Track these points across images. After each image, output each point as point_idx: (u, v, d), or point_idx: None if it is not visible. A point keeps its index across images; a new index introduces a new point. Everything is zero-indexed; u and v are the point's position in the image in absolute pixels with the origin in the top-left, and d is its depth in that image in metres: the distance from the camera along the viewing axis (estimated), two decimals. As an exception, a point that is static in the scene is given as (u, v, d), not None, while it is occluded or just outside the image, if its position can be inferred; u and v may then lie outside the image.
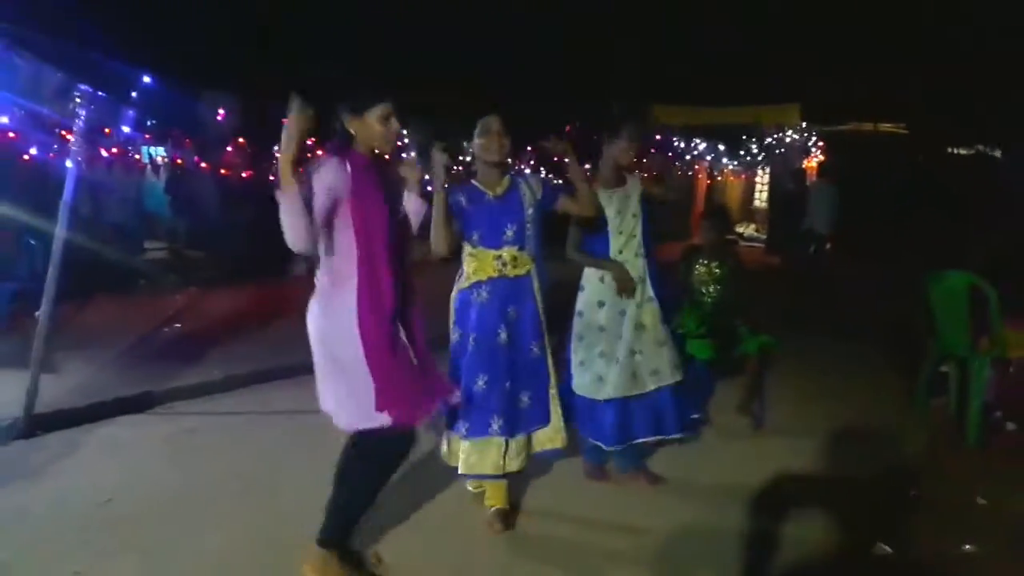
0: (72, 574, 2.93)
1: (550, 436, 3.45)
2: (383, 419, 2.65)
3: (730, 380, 5.05)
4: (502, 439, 3.30)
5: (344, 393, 2.68)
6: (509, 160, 3.43)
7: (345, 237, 2.63)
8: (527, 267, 3.34)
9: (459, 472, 3.38)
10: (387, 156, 2.80)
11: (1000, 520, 3.67)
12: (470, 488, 3.62)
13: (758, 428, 4.79)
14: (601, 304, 3.73)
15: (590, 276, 3.77)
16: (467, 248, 3.34)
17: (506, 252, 3.30)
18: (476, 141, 3.31)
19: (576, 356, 3.75)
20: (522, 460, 3.38)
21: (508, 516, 3.44)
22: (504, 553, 3.22)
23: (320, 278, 2.72)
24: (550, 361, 3.45)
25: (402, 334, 2.75)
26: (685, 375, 3.90)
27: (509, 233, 3.30)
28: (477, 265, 3.31)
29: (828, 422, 4.95)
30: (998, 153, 15.82)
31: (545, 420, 3.42)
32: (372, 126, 2.69)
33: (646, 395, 3.74)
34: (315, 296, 2.73)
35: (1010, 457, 4.48)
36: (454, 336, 3.40)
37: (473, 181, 3.38)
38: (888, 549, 3.32)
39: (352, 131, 2.69)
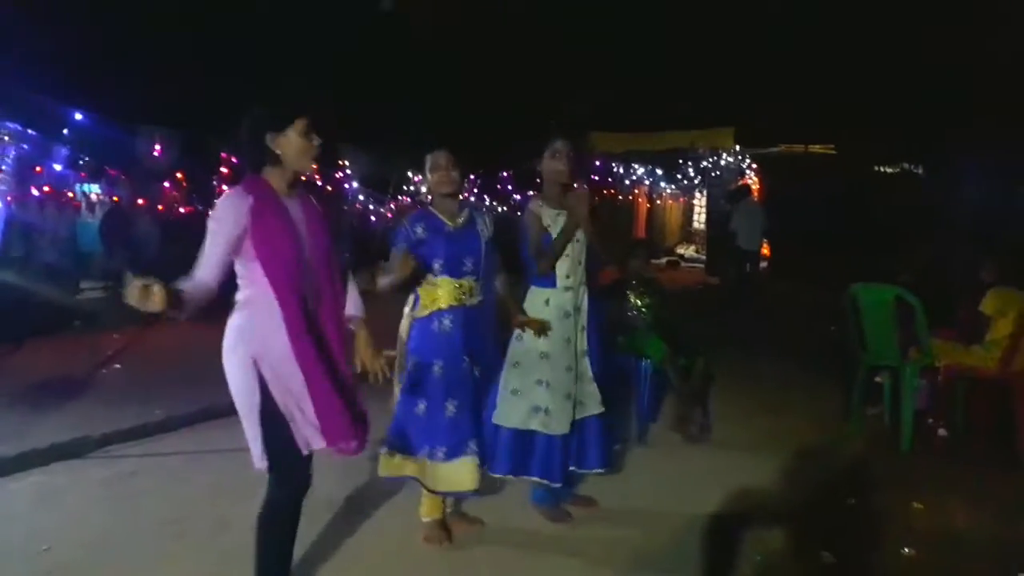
0: (8, 627, 2.82)
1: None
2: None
3: (672, 396, 5.15)
4: (476, 458, 3.32)
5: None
6: (462, 192, 3.50)
7: (253, 270, 2.58)
8: (481, 297, 3.40)
9: (437, 490, 3.36)
10: (304, 176, 2.73)
11: (936, 522, 3.81)
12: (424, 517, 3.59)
13: (691, 441, 4.88)
14: (543, 331, 3.60)
15: (533, 300, 3.64)
16: (426, 276, 3.34)
17: (466, 282, 3.35)
18: (429, 176, 3.38)
19: (508, 385, 3.61)
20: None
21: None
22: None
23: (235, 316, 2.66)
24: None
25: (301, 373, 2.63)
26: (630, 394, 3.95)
27: (468, 264, 3.35)
28: (437, 294, 3.33)
29: (769, 435, 5.09)
30: (920, 171, 16.52)
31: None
32: (293, 141, 2.62)
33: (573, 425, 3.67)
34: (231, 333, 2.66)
35: (943, 462, 4.66)
36: (409, 363, 3.37)
37: (431, 208, 3.41)
38: (831, 557, 3.41)
39: (277, 151, 2.62)
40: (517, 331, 3.65)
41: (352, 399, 2.73)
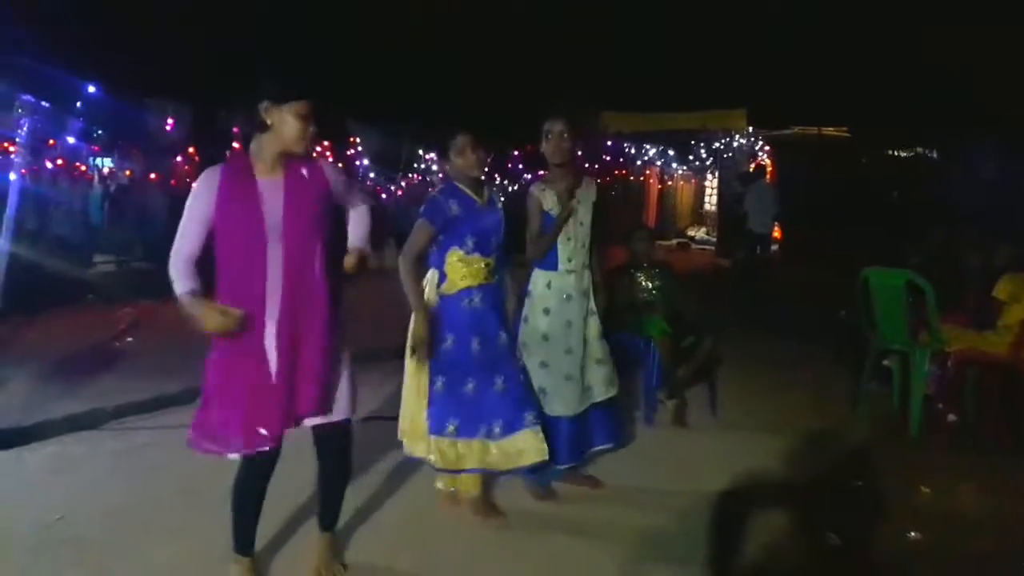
0: (25, 593, 2.87)
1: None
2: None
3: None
4: (538, 428, 3.35)
5: None
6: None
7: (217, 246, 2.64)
8: (498, 276, 3.43)
9: (504, 470, 3.41)
10: (298, 155, 2.69)
11: (943, 508, 3.82)
12: (440, 486, 3.64)
13: (676, 424, 4.90)
14: (546, 311, 3.65)
15: (537, 281, 3.68)
16: (456, 253, 3.32)
17: (492, 260, 3.37)
18: (455, 160, 3.35)
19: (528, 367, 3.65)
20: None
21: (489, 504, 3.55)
22: (463, 554, 3.24)
23: None
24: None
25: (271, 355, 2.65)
26: (633, 379, 3.95)
27: (494, 242, 3.37)
28: (466, 271, 3.32)
29: (776, 417, 5.10)
30: (935, 154, 16.38)
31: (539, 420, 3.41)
32: (287, 119, 2.59)
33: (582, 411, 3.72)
34: None
35: (951, 447, 4.66)
36: (447, 342, 3.33)
37: (460, 185, 3.38)
38: (837, 539, 3.43)
39: (269, 121, 2.59)
40: (524, 313, 3.68)
41: (311, 383, 2.70)
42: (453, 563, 3.18)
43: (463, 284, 3.32)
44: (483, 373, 3.34)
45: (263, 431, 2.66)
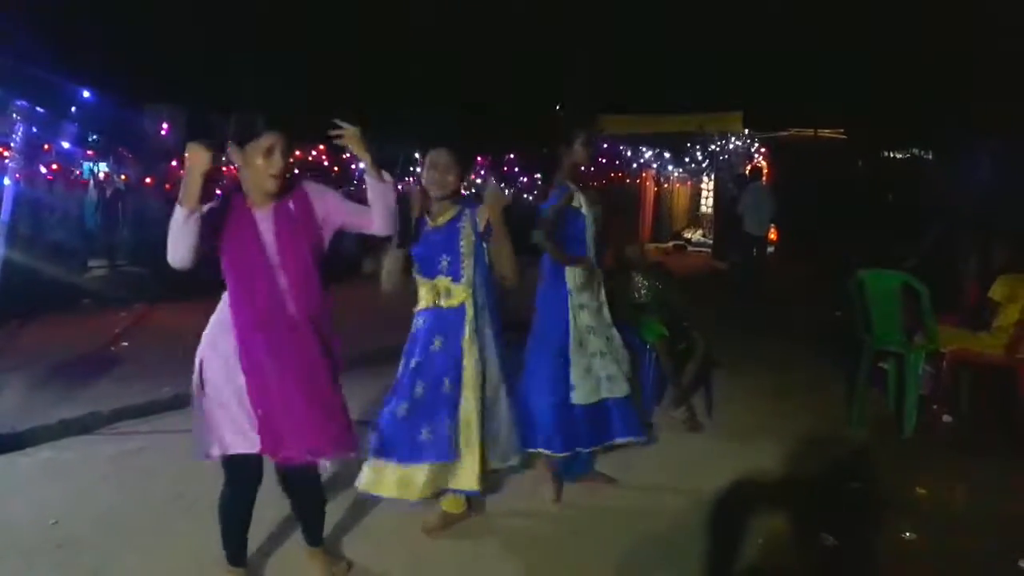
0: (18, 599, 2.87)
1: (464, 475, 3.24)
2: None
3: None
4: (396, 464, 3.22)
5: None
6: (459, 191, 3.35)
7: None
8: (460, 299, 3.25)
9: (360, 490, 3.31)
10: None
11: (939, 508, 3.83)
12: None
13: (692, 430, 4.89)
14: (583, 306, 3.78)
15: (575, 278, 3.77)
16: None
17: (440, 282, 3.25)
18: (424, 172, 3.26)
19: (579, 366, 3.74)
20: (424, 489, 3.22)
21: (457, 519, 3.47)
22: (454, 557, 3.24)
23: None
24: (472, 401, 3.23)
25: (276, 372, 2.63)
26: (636, 378, 4.00)
27: (444, 263, 3.24)
28: (421, 293, 3.32)
29: (772, 419, 5.11)
30: (930, 156, 16.42)
31: (444, 456, 3.19)
32: (252, 159, 2.54)
33: (599, 402, 3.79)
34: None
35: (946, 448, 4.66)
36: (403, 360, 3.37)
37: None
38: (832, 540, 3.43)
39: (237, 163, 2.58)
40: (571, 312, 3.76)
41: (312, 407, 2.66)
42: (448, 566, 3.17)
43: (420, 305, 3.33)
44: (401, 395, 3.27)
45: (244, 439, 2.66)
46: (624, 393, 3.82)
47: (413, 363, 3.27)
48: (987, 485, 4.07)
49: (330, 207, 2.76)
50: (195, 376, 2.68)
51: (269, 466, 2.82)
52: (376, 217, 2.77)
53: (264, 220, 2.63)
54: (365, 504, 3.68)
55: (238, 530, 2.86)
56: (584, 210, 3.77)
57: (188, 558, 3.14)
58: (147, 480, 4.01)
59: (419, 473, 3.19)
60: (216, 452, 2.69)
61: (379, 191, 2.75)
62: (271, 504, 3.23)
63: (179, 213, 2.41)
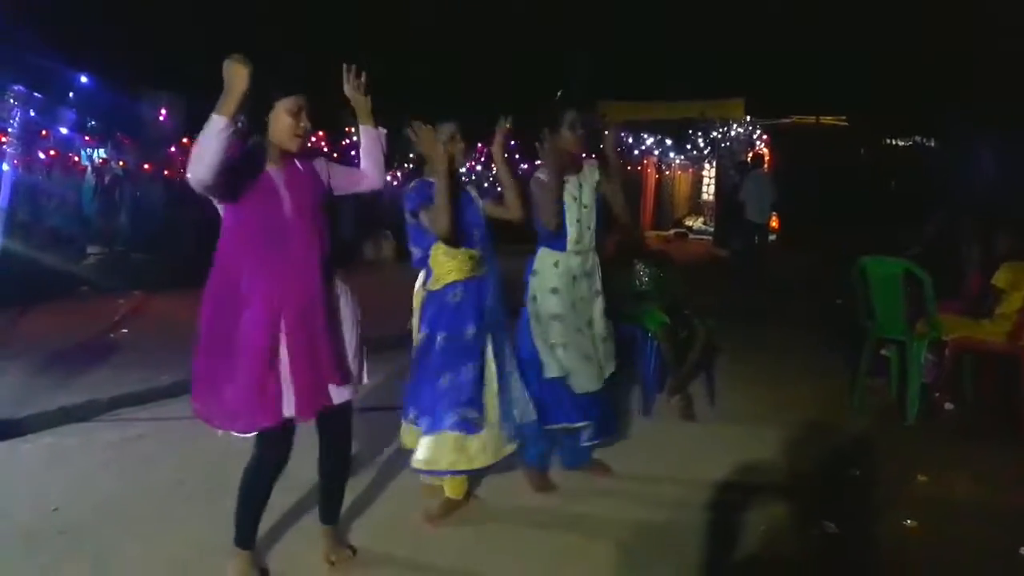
0: (20, 584, 2.87)
1: (485, 449, 3.33)
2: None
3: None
4: (473, 433, 3.29)
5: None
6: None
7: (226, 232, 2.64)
8: (486, 269, 3.37)
9: (418, 468, 3.34)
10: (293, 153, 2.70)
11: (940, 495, 3.82)
12: (426, 482, 3.60)
13: (684, 419, 4.87)
14: (555, 291, 3.67)
15: (544, 260, 3.71)
16: (440, 248, 3.28)
17: (476, 252, 3.32)
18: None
19: (540, 340, 3.66)
20: (488, 457, 3.33)
21: (458, 506, 3.47)
22: (455, 543, 3.24)
23: None
24: (495, 373, 3.39)
25: (276, 339, 2.65)
26: (635, 365, 3.97)
27: (476, 234, 3.33)
28: (452, 265, 3.28)
29: (773, 407, 5.10)
30: (932, 143, 16.36)
31: (479, 427, 3.32)
32: (281, 116, 2.62)
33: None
34: None
35: (948, 436, 4.66)
36: (420, 335, 3.35)
37: (429, 178, 3.27)
38: (833, 527, 3.43)
39: (265, 119, 2.63)
40: (531, 292, 3.71)
41: (317, 369, 2.71)
42: (450, 553, 3.17)
43: (449, 278, 3.28)
44: (437, 367, 3.29)
45: (276, 409, 2.67)
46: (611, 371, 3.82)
47: (442, 337, 3.29)
48: (989, 473, 4.06)
49: (329, 168, 2.90)
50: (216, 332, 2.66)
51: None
52: (368, 169, 2.99)
53: (278, 177, 2.68)
54: (367, 491, 3.69)
55: (258, 507, 2.84)
56: (566, 198, 3.62)
57: (189, 544, 3.14)
58: (148, 467, 4.01)
59: (475, 441, 3.29)
60: (247, 427, 2.67)
61: (372, 138, 2.97)
62: (275, 493, 3.22)
63: (216, 122, 2.40)
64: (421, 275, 3.40)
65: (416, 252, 3.35)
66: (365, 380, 3.00)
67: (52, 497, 3.57)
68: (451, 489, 3.45)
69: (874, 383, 5.30)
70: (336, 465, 3.02)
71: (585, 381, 3.66)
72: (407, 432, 3.45)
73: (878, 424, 4.85)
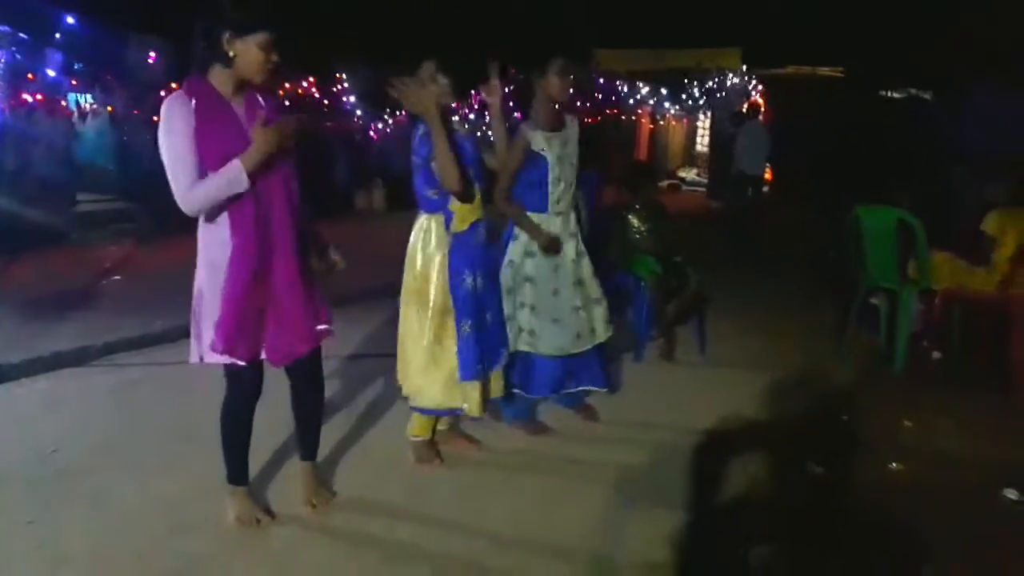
0: (26, 523, 2.91)
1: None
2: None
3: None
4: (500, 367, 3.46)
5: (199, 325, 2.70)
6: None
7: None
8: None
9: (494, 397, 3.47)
10: (258, 84, 2.62)
11: (925, 441, 3.89)
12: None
13: (663, 358, 4.98)
14: (531, 254, 3.62)
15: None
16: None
17: (478, 193, 3.27)
18: (431, 86, 3.14)
19: (505, 310, 3.59)
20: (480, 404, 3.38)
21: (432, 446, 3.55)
22: (452, 487, 3.29)
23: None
24: None
25: (268, 278, 2.67)
26: (623, 317, 3.95)
27: (471, 172, 3.23)
28: (471, 206, 3.22)
29: (763, 355, 5.16)
30: (928, 96, 16.23)
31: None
32: (250, 50, 2.52)
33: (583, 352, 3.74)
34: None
35: (935, 384, 4.72)
36: (467, 281, 3.23)
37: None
38: (819, 469, 3.50)
39: (231, 53, 2.52)
40: (508, 257, 3.66)
41: (308, 294, 2.75)
42: (443, 495, 3.22)
43: (472, 218, 3.24)
44: (490, 307, 3.38)
45: (250, 346, 2.69)
46: (609, 335, 3.83)
47: (486, 276, 3.34)
48: (974, 420, 4.13)
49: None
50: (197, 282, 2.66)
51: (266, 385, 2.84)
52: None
53: (238, 110, 2.61)
54: (360, 437, 3.73)
55: (242, 442, 2.89)
56: (546, 152, 3.53)
57: (188, 483, 3.19)
58: (145, 410, 4.04)
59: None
60: (215, 358, 2.67)
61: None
62: (267, 434, 3.27)
63: (242, 182, 2.47)
64: (421, 226, 3.29)
65: (432, 195, 3.21)
66: (331, 322, 2.91)
67: (49, 439, 3.61)
68: (418, 428, 3.47)
69: (864, 332, 5.35)
70: (308, 406, 3.04)
71: (549, 344, 3.62)
72: (474, 394, 3.31)
73: (866, 372, 4.91)
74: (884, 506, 3.24)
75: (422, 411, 3.38)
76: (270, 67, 2.59)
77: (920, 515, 3.13)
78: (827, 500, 3.33)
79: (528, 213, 3.62)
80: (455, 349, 3.25)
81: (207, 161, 2.51)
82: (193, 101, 2.50)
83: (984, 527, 3.09)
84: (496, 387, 3.47)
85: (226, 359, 2.67)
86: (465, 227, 3.23)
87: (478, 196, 3.26)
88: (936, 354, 5.11)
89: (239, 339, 2.64)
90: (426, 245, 3.26)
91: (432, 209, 3.25)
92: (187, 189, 2.49)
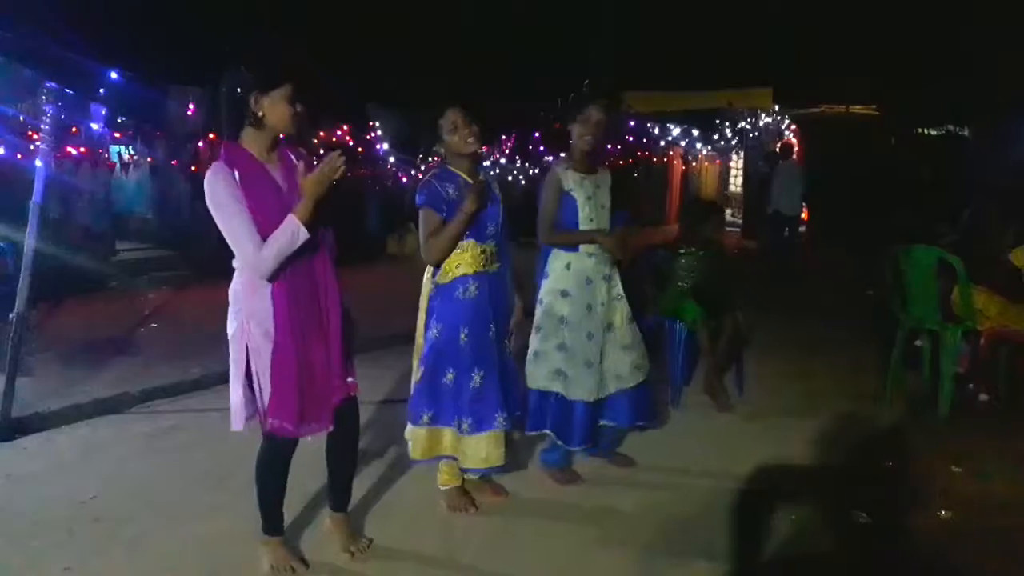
0: (63, 570, 2.91)
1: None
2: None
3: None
4: (502, 431, 3.29)
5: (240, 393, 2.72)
6: (482, 150, 3.36)
7: None
8: (499, 264, 3.30)
9: (466, 467, 3.34)
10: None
11: (974, 487, 3.75)
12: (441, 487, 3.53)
13: (722, 410, 4.84)
14: (565, 294, 3.57)
15: (554, 263, 3.60)
16: None
17: (488, 247, 3.24)
18: (449, 139, 3.20)
19: (532, 347, 3.62)
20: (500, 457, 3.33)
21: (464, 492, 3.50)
22: (482, 538, 3.23)
23: (235, 281, 2.70)
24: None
25: (314, 343, 2.71)
26: (661, 360, 3.87)
27: (491, 228, 3.25)
28: (462, 259, 3.20)
29: (804, 399, 5.05)
30: (966, 132, 16.04)
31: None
32: (277, 105, 2.57)
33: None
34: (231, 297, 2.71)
35: (983, 427, 4.57)
36: (433, 331, 3.24)
37: (452, 168, 3.25)
38: (865, 517, 3.38)
39: (260, 112, 2.57)
40: (540, 295, 3.63)
41: (327, 372, 2.77)
42: (475, 544, 3.17)
43: (459, 272, 3.20)
44: (464, 366, 3.24)
45: (326, 412, 2.77)
46: (638, 381, 3.73)
47: (464, 333, 3.22)
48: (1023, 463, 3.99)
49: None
50: (238, 344, 2.67)
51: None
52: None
53: (274, 171, 2.67)
54: (391, 484, 3.70)
55: (277, 493, 2.88)
56: (575, 192, 3.54)
57: (223, 530, 3.19)
58: (180, 457, 4.06)
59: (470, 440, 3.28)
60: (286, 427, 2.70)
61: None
62: (301, 480, 3.26)
63: (302, 234, 2.53)
64: (428, 269, 3.31)
65: None
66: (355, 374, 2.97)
67: (87, 486, 3.63)
68: (446, 476, 3.44)
69: (908, 374, 5.21)
70: (343, 456, 3.04)
71: (580, 388, 3.56)
72: (415, 437, 3.33)
73: (911, 415, 4.78)
74: (934, 556, 3.12)
75: (413, 463, 3.39)
76: (299, 118, 2.63)
77: (971, 564, 3.00)
78: (874, 550, 3.21)
79: (561, 252, 3.59)
80: None
81: (264, 226, 2.56)
82: (235, 171, 2.56)
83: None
84: (474, 456, 3.27)
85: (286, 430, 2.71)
86: (448, 280, 3.21)
87: (476, 250, 3.21)
88: (983, 396, 4.96)
89: (301, 414, 2.70)
90: (424, 290, 3.33)
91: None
92: (255, 253, 2.53)
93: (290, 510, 3.20)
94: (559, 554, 3.10)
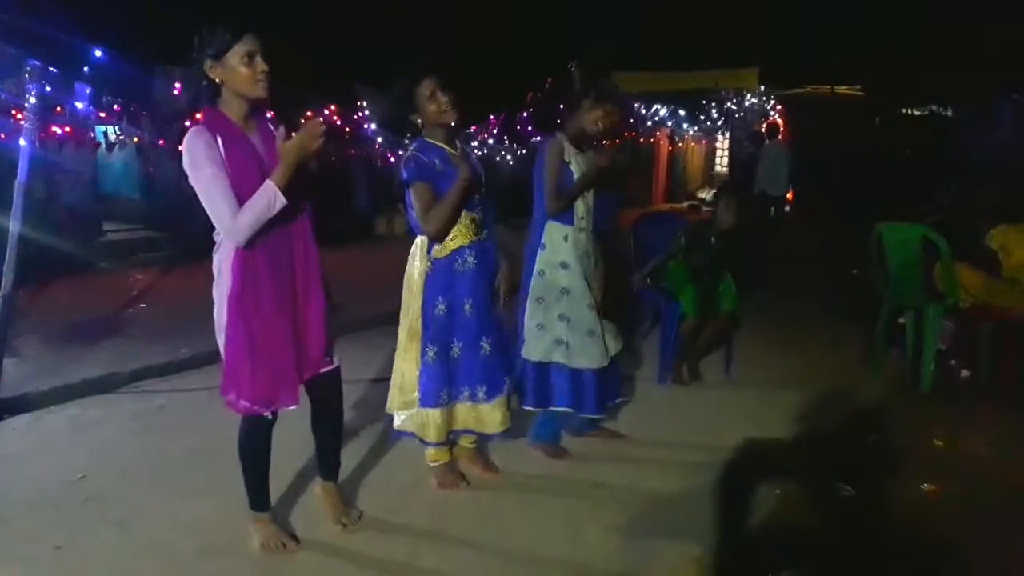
0: (53, 549, 2.93)
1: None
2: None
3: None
4: (507, 398, 3.37)
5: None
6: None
7: None
8: (486, 230, 3.30)
9: (487, 432, 3.39)
10: (263, 103, 2.62)
11: (955, 461, 3.84)
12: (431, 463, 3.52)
13: (687, 383, 4.92)
14: (564, 265, 3.60)
15: (552, 234, 3.61)
16: None
17: (477, 216, 3.23)
18: (427, 108, 3.15)
19: (532, 319, 3.64)
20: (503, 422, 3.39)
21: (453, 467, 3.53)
22: (476, 512, 3.27)
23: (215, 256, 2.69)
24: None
25: (285, 318, 2.69)
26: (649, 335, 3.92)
27: (477, 196, 3.22)
28: (456, 231, 3.18)
29: (789, 375, 5.11)
30: (949, 112, 16.14)
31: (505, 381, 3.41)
32: (234, 69, 2.52)
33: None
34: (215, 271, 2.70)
35: (964, 402, 4.65)
36: (439, 308, 3.21)
37: (430, 139, 3.21)
38: (849, 490, 3.45)
39: (218, 80, 2.54)
40: (538, 267, 3.64)
41: (323, 314, 2.78)
42: (466, 517, 3.21)
43: (454, 244, 3.19)
44: (471, 336, 3.27)
45: (289, 389, 2.73)
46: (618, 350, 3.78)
47: (468, 304, 3.24)
48: (1003, 438, 4.07)
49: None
50: (221, 315, 2.66)
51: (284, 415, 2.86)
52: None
53: (254, 139, 2.64)
54: (384, 459, 3.74)
55: (261, 470, 2.89)
56: (573, 165, 3.58)
57: (215, 507, 3.21)
58: (170, 436, 4.07)
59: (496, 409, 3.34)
60: (259, 408, 2.70)
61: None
62: (292, 456, 3.29)
63: (279, 200, 2.49)
64: (415, 246, 3.29)
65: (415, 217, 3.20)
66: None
67: (78, 465, 3.64)
68: (434, 453, 3.44)
69: (890, 351, 5.29)
70: (327, 425, 3.05)
71: (586, 358, 3.61)
72: (434, 421, 3.31)
73: (893, 391, 4.85)
74: (916, 527, 3.19)
75: (398, 435, 3.42)
76: (262, 77, 2.55)
77: (953, 536, 3.07)
78: (857, 522, 3.28)
79: (557, 224, 3.60)
80: (417, 375, 3.27)
81: (242, 194, 2.53)
82: (214, 134, 2.53)
83: (1018, 546, 3.02)
84: (492, 421, 3.35)
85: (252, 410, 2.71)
86: (445, 253, 3.20)
87: (468, 219, 3.20)
88: (964, 372, 5.04)
89: (264, 394, 2.68)
90: (412, 267, 3.28)
91: (420, 231, 3.23)
92: (231, 219, 2.50)
93: (281, 486, 3.25)
94: (550, 528, 3.14)
